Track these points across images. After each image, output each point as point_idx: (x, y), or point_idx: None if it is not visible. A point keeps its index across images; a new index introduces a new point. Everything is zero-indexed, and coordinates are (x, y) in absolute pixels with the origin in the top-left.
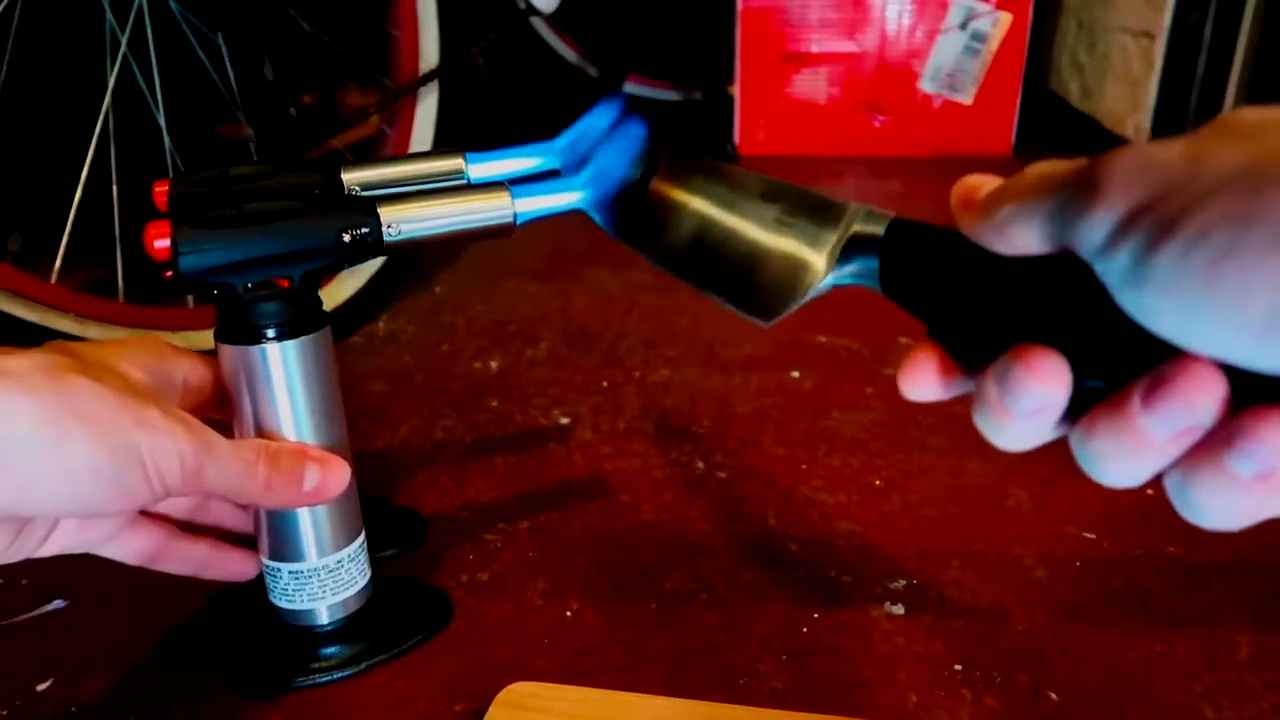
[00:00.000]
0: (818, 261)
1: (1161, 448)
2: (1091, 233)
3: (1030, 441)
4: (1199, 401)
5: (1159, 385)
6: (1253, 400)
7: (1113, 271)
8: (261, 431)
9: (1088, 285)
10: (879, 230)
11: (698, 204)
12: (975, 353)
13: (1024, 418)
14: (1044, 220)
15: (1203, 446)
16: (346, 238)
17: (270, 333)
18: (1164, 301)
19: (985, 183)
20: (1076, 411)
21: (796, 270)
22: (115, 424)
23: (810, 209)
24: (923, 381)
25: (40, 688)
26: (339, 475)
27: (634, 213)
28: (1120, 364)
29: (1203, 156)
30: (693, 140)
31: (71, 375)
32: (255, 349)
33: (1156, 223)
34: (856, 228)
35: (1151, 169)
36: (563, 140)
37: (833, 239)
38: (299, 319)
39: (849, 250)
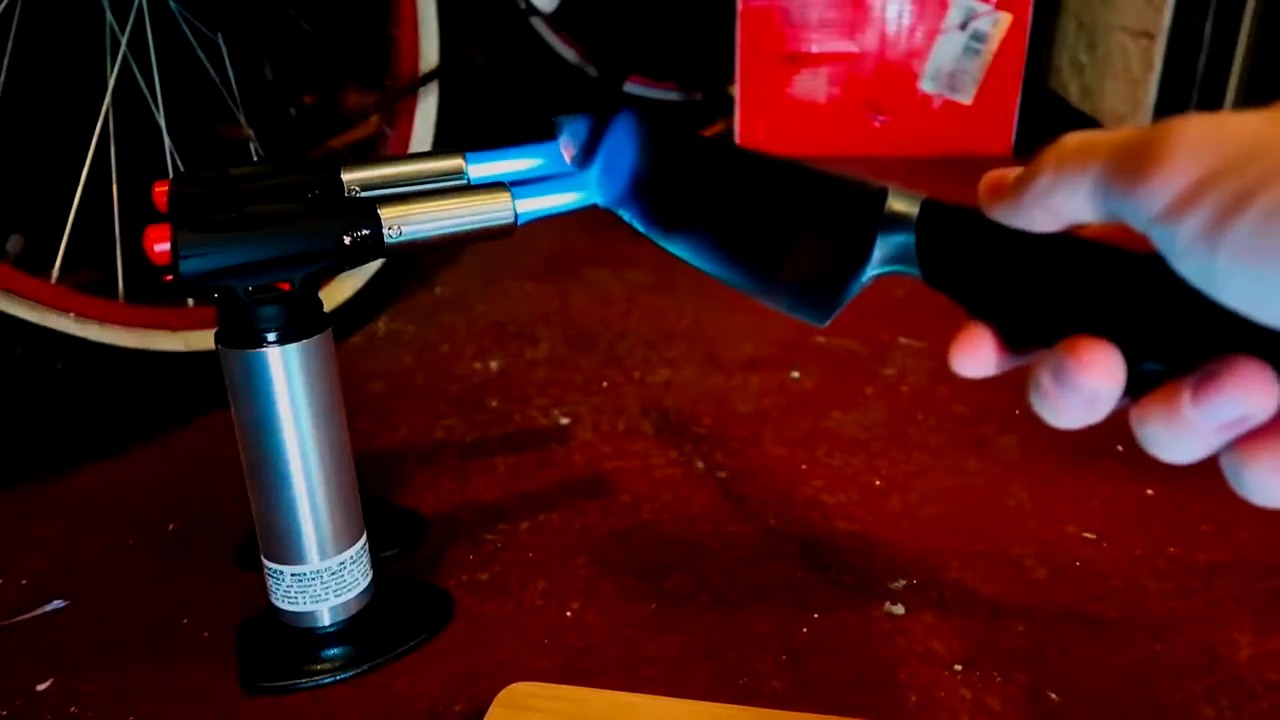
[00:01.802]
0: (864, 243)
1: (1211, 436)
2: (1151, 199)
3: (1090, 421)
4: (1247, 398)
5: (1207, 381)
6: None
7: (1177, 239)
8: (261, 434)
9: (1140, 267)
10: (913, 210)
11: (734, 185)
12: (1027, 333)
13: (1080, 407)
14: (1091, 185)
15: (1265, 431)
16: (347, 240)
17: (271, 336)
18: (1235, 269)
19: (1014, 170)
20: (1137, 388)
21: (846, 252)
22: None
23: (841, 189)
24: (979, 358)
25: (40, 688)
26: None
27: (660, 195)
28: (1177, 348)
29: None
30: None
31: None
32: (256, 353)
33: (1232, 190)
34: (893, 205)
35: (1225, 138)
36: (553, 149)
37: (871, 217)
38: (300, 322)
39: (888, 228)
